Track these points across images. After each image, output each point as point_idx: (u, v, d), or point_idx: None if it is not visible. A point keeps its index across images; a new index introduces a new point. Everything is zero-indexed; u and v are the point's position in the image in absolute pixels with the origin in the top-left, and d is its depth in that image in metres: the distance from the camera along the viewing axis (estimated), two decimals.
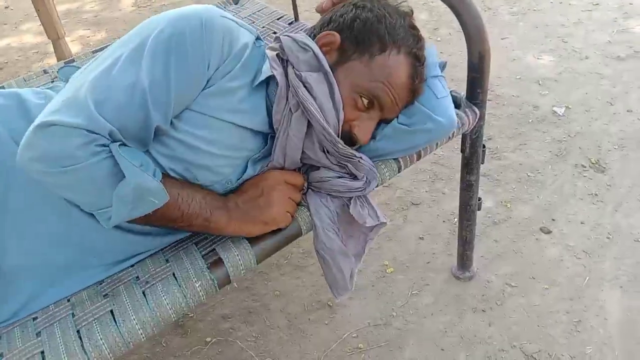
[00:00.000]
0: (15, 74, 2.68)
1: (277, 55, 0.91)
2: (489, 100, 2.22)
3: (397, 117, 1.00)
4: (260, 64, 0.91)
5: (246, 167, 0.93)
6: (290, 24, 1.61)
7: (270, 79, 0.91)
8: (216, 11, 0.85)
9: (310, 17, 2.77)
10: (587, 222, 1.66)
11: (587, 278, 1.50)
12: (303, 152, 0.93)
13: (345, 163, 0.95)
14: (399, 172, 1.10)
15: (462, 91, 1.19)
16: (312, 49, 0.90)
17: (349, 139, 0.94)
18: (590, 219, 1.67)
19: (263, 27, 1.62)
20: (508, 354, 1.33)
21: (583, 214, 1.69)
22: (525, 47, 2.55)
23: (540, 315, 1.41)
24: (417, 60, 0.95)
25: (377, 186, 1.04)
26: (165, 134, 0.84)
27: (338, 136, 0.91)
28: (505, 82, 2.33)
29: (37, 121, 0.74)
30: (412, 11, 1.00)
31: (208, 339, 1.39)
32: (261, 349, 1.37)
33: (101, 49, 1.48)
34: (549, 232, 1.64)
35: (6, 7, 3.42)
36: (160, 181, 0.80)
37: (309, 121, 0.90)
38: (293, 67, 0.90)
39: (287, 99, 0.89)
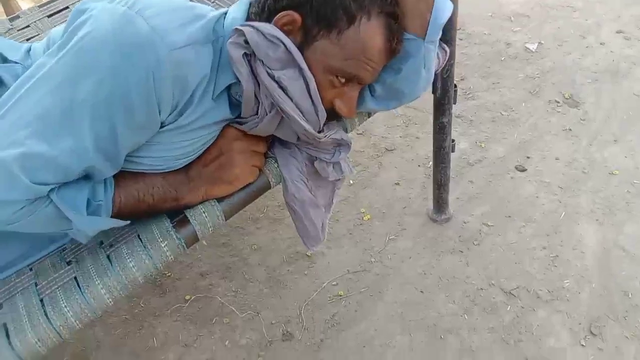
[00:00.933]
0: None
1: (245, 54, 0.78)
2: (460, 39, 2.18)
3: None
4: (216, 71, 0.80)
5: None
6: None
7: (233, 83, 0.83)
8: (163, 40, 0.69)
9: None
10: (562, 158, 1.66)
11: (563, 213, 1.51)
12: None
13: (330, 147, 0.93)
14: (368, 117, 1.07)
15: None
16: (283, 43, 0.77)
17: (333, 114, 0.87)
18: (565, 155, 1.67)
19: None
20: (487, 292, 1.34)
21: (558, 149, 1.69)
22: None
23: (517, 253, 1.42)
24: (392, 17, 0.82)
25: (346, 132, 1.01)
26: (126, 161, 0.79)
27: (320, 128, 0.86)
28: (477, 20, 2.27)
29: None
30: None
31: (187, 297, 1.38)
32: (241, 302, 1.36)
33: (48, 3, 1.39)
34: (524, 169, 1.64)
35: None
36: (115, 190, 0.78)
37: (281, 117, 0.84)
38: (263, 64, 0.78)
39: (258, 100, 0.81)
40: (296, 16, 0.78)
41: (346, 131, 1.02)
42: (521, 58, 2.07)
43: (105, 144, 0.71)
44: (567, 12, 2.29)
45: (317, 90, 0.81)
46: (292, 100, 0.80)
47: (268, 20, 0.79)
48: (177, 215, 0.86)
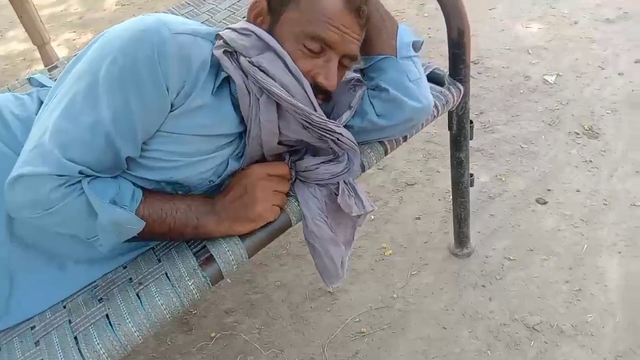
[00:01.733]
0: (4, 82, 2.67)
1: (225, 51, 0.86)
2: (479, 73, 2.21)
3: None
4: (218, 68, 0.89)
5: (227, 164, 0.93)
6: None
7: (230, 79, 0.89)
8: (167, 26, 0.80)
9: None
10: (582, 190, 1.66)
11: (585, 246, 1.50)
12: (281, 133, 0.92)
13: (326, 138, 0.93)
14: (385, 154, 1.09)
15: (446, 68, 1.18)
16: (253, 32, 0.87)
17: (320, 90, 0.90)
18: (586, 187, 1.67)
19: (243, 17, 1.61)
20: (510, 327, 1.34)
21: (578, 181, 1.69)
22: (513, 17, 2.53)
23: (540, 287, 1.41)
24: None
25: (363, 170, 1.04)
26: (140, 156, 0.84)
27: (314, 107, 0.89)
28: (495, 53, 2.31)
29: (11, 174, 0.77)
30: None
31: (213, 334, 1.40)
32: (265, 340, 1.38)
33: None
34: (545, 202, 1.64)
35: None
36: (140, 202, 0.83)
37: (277, 103, 0.88)
38: (243, 56, 0.86)
39: (249, 91, 0.87)
40: (262, 2, 0.89)
41: (363, 169, 1.06)
42: (540, 90, 2.09)
43: (121, 119, 0.78)
44: (584, 44, 2.31)
45: (295, 65, 0.87)
46: (274, 80, 0.86)
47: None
48: (203, 255, 0.90)
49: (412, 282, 1.47)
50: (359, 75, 1.04)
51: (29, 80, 1.10)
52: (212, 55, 0.87)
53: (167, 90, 0.80)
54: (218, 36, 0.88)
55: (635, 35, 2.30)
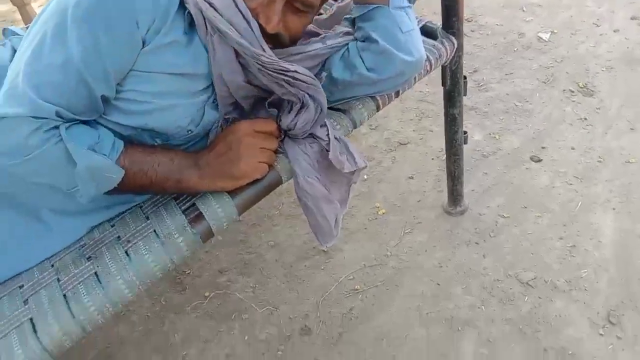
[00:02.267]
0: None
1: None
2: (472, 31, 2.17)
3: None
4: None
5: (204, 112, 0.90)
6: None
7: None
8: None
9: None
10: (577, 147, 1.65)
11: (580, 203, 1.50)
12: (246, 77, 0.89)
13: (281, 81, 0.89)
14: (377, 110, 1.07)
15: (439, 22, 1.15)
16: None
17: (267, 35, 0.86)
18: (581, 144, 1.66)
19: None
20: (504, 283, 1.34)
21: (573, 139, 1.68)
22: None
23: (534, 243, 1.42)
24: None
25: (355, 126, 1.02)
26: (115, 98, 0.82)
27: (263, 48, 0.86)
28: (489, 10, 2.26)
29: None
30: None
31: (207, 294, 1.40)
32: (260, 298, 1.38)
33: None
34: (539, 160, 1.63)
35: None
36: (121, 153, 0.80)
37: None
38: None
39: (206, 27, 0.84)
40: None
41: (355, 126, 1.03)
42: (534, 48, 2.06)
43: (91, 56, 0.75)
44: (579, 1, 2.27)
45: (245, 5, 0.83)
46: (223, 17, 0.82)
47: None
48: (192, 212, 0.88)
49: (405, 241, 1.47)
50: (349, 30, 1.01)
51: (3, 31, 1.06)
52: None
53: (137, 25, 0.76)
54: None
55: None
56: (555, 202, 1.51)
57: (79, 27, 0.74)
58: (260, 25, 0.85)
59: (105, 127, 0.83)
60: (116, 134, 0.83)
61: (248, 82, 0.90)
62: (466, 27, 2.18)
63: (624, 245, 1.38)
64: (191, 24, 0.85)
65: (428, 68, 1.09)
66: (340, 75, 0.97)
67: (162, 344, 1.32)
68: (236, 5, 0.83)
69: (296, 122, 0.92)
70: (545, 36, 2.11)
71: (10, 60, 0.88)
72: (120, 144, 0.81)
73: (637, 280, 1.30)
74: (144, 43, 0.79)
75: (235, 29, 0.83)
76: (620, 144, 1.64)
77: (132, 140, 0.85)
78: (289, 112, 0.93)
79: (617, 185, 1.52)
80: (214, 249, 1.50)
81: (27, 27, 1.30)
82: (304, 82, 0.89)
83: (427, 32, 1.15)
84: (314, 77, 0.91)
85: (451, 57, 1.16)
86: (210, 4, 0.82)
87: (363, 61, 0.96)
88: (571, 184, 1.55)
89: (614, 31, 2.08)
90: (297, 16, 0.88)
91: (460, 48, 1.17)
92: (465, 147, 1.38)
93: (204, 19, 0.83)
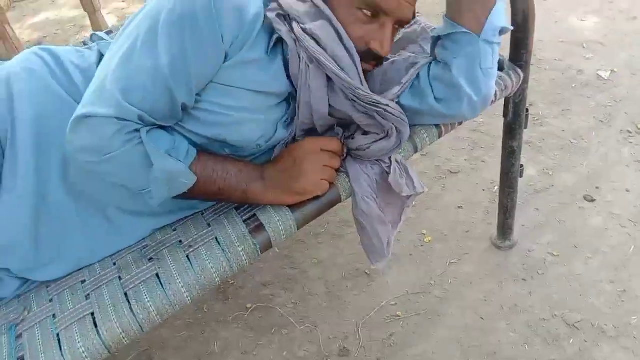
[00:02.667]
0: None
1: (278, 14, 0.86)
2: (530, 65, 2.15)
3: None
4: (273, 29, 0.88)
5: (276, 129, 0.92)
6: None
7: (283, 40, 0.88)
8: None
9: None
10: (632, 190, 1.61)
11: (633, 247, 1.45)
12: (330, 105, 0.91)
13: (373, 112, 0.91)
14: (439, 137, 1.07)
15: (506, 52, 1.14)
16: None
17: (372, 56, 0.89)
18: (636, 187, 1.62)
19: None
20: (550, 323, 1.31)
21: (629, 181, 1.64)
22: (568, 9, 2.44)
23: (583, 285, 1.38)
24: None
25: (416, 151, 1.03)
26: (193, 107, 0.85)
27: (361, 81, 0.88)
28: (548, 45, 2.24)
29: (74, 115, 0.78)
30: None
31: (249, 305, 1.41)
32: (300, 315, 1.38)
33: None
34: (592, 200, 1.59)
35: None
36: (194, 160, 0.83)
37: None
38: (297, 22, 0.85)
39: (299, 55, 0.86)
40: None
41: (416, 150, 1.04)
42: (593, 86, 2.02)
43: (178, 64, 0.78)
44: None
45: (348, 37, 0.86)
46: (326, 51, 0.85)
47: None
48: (253, 222, 0.90)
49: (451, 270, 1.45)
50: (415, 56, 1.01)
51: (91, 37, 1.11)
52: (265, 11, 0.86)
53: (222, 39, 0.80)
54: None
55: None
56: (607, 245, 1.47)
57: (168, 36, 0.77)
58: (369, 50, 0.87)
59: (180, 134, 0.86)
60: (189, 141, 0.86)
61: (330, 114, 0.92)
62: None
63: None
64: (275, 45, 0.87)
65: (493, 99, 1.09)
66: (408, 103, 0.97)
67: (202, 351, 1.34)
68: (340, 39, 0.86)
69: (370, 147, 0.93)
70: (605, 74, 2.07)
71: (97, 64, 0.93)
72: (193, 151, 0.84)
73: None
74: (226, 57, 0.82)
75: (337, 63, 0.85)
76: None
77: (203, 148, 0.88)
78: (362, 134, 0.94)
79: None
80: (259, 261, 1.52)
81: (107, 32, 1.37)
82: (393, 115, 0.91)
83: None
84: (402, 112, 0.93)
85: (516, 89, 1.15)
86: (312, 36, 0.85)
87: (432, 90, 0.96)
88: (625, 227, 1.51)
89: None
90: (392, 35, 0.90)
91: (526, 80, 1.16)
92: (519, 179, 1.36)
93: (298, 47, 0.86)
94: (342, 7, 0.86)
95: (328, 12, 0.86)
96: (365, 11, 0.85)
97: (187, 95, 0.81)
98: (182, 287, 0.81)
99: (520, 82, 1.15)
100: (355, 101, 0.89)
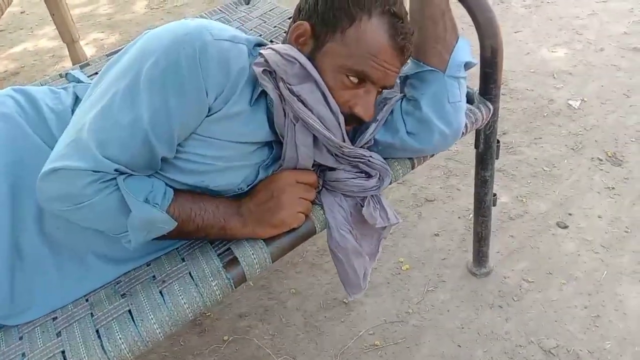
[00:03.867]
0: (32, 78, 2.72)
1: (264, 70, 0.87)
2: (503, 94, 2.21)
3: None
4: (257, 80, 0.89)
5: (257, 173, 0.94)
6: None
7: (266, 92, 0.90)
8: (209, 31, 0.81)
9: None
10: (604, 216, 1.64)
11: (605, 272, 1.48)
12: (316, 159, 0.94)
13: (357, 163, 0.95)
14: (412, 169, 1.10)
15: (476, 86, 1.18)
16: (297, 60, 0.86)
17: (355, 119, 0.91)
18: (608, 213, 1.65)
19: (274, 26, 1.62)
20: (526, 349, 1.32)
21: (600, 207, 1.68)
22: (539, 40, 2.52)
23: (557, 311, 1.40)
24: (395, 17, 0.87)
25: (390, 183, 1.04)
26: (173, 157, 0.85)
27: (343, 137, 0.91)
28: (520, 76, 2.31)
29: (46, 166, 0.78)
30: None
31: (225, 337, 1.40)
32: (278, 346, 1.37)
33: (115, 52, 1.49)
34: (565, 226, 1.63)
35: (22, 12, 3.46)
36: (172, 201, 0.83)
37: None
38: (283, 81, 0.86)
39: (284, 112, 0.88)
40: (306, 25, 0.88)
41: (390, 182, 1.06)
42: (564, 115, 2.08)
43: (160, 119, 0.79)
44: (611, 71, 2.29)
45: (334, 99, 0.88)
46: (312, 112, 0.87)
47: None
48: (227, 256, 0.90)
49: (428, 298, 1.46)
50: (387, 91, 1.04)
51: (66, 75, 1.12)
52: (250, 64, 0.88)
53: (207, 94, 0.81)
54: (260, 54, 0.87)
55: None
56: (580, 270, 1.50)
57: (150, 90, 0.78)
58: (352, 114, 0.90)
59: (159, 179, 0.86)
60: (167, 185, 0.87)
61: (316, 163, 0.95)
62: None
63: None
64: (259, 96, 0.89)
65: (464, 131, 1.12)
66: (382, 137, 1.00)
67: None
68: (326, 100, 0.88)
69: (348, 181, 0.95)
70: (575, 104, 2.13)
71: (72, 107, 0.93)
72: (170, 193, 0.84)
73: None
74: (210, 110, 0.83)
75: (323, 123, 0.88)
76: None
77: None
78: (342, 171, 0.96)
79: None
80: (235, 292, 1.51)
81: (83, 71, 1.38)
82: (377, 165, 0.95)
83: None
84: (385, 162, 0.97)
85: (486, 121, 1.18)
86: (298, 97, 0.86)
87: (405, 125, 0.98)
88: (597, 252, 1.54)
89: None
90: (375, 97, 0.93)
91: (495, 113, 1.19)
92: (492, 208, 1.38)
93: (284, 104, 0.87)
94: (329, 72, 0.88)
95: (315, 74, 0.87)
96: (352, 78, 0.88)
97: (168, 150, 0.82)
98: (155, 323, 0.81)
99: (490, 115, 1.18)
100: (339, 156, 0.93)
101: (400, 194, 1.80)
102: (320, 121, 0.88)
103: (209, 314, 1.46)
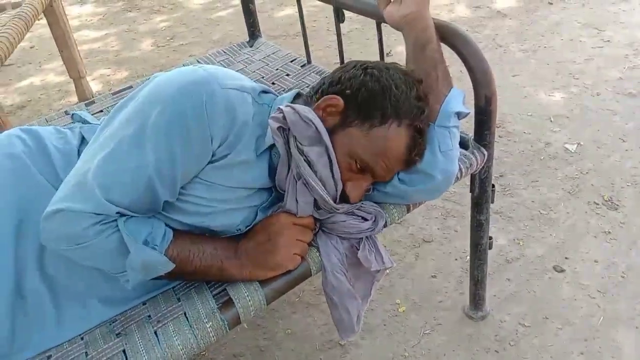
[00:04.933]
0: (38, 111, 2.77)
1: (279, 128, 0.90)
2: (500, 137, 2.24)
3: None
4: (262, 128, 0.92)
5: (256, 214, 0.96)
6: (303, 66, 1.66)
7: (274, 146, 0.93)
8: (217, 80, 0.84)
9: (323, 57, 2.83)
10: (600, 261, 1.65)
11: (602, 318, 1.48)
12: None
13: (352, 211, 0.98)
14: (408, 212, 1.11)
15: (471, 132, 1.20)
16: (314, 125, 0.90)
17: (342, 196, 0.96)
18: (604, 258, 1.66)
19: (277, 69, 1.67)
20: None
21: (597, 252, 1.68)
22: (536, 84, 2.57)
23: (554, 356, 1.39)
24: (418, 132, 0.95)
25: (385, 226, 1.06)
26: (175, 200, 0.88)
27: (337, 199, 0.95)
28: (517, 119, 2.34)
29: (50, 207, 0.80)
30: (421, 81, 0.99)
31: None
32: None
33: (120, 90, 1.53)
34: (562, 270, 1.63)
35: (31, 47, 3.55)
36: (171, 243, 0.85)
37: None
38: (295, 139, 0.90)
39: (289, 167, 0.92)
40: (341, 102, 0.92)
41: (385, 225, 1.07)
42: (560, 158, 2.10)
43: (165, 166, 0.81)
44: (606, 116, 2.33)
45: (338, 169, 0.92)
46: (316, 174, 0.90)
47: (320, 96, 0.95)
48: (222, 297, 0.91)
49: (424, 342, 1.46)
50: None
51: (72, 115, 1.15)
52: (261, 118, 0.92)
53: (211, 142, 0.83)
54: (279, 109, 0.91)
55: None
56: (577, 316, 1.49)
57: (157, 138, 0.80)
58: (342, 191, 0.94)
59: (159, 220, 0.88)
60: (169, 227, 0.88)
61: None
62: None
63: None
64: (268, 147, 0.93)
65: (458, 176, 1.14)
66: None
67: None
68: (331, 166, 0.92)
69: (346, 222, 0.97)
70: (572, 147, 2.16)
71: (79, 148, 0.95)
72: (170, 234, 0.86)
73: None
74: (213, 156, 0.85)
75: (323, 186, 0.91)
76: None
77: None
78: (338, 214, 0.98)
79: None
80: (231, 332, 1.50)
81: (88, 109, 1.41)
82: (371, 209, 0.99)
83: (459, 142, 1.20)
84: (378, 207, 1.01)
85: (481, 166, 1.20)
86: (306, 157, 0.90)
87: (397, 174, 1.01)
88: (593, 297, 1.54)
89: None
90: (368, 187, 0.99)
91: (490, 158, 1.21)
92: (489, 251, 1.39)
93: (289, 160, 0.91)
94: (341, 150, 0.92)
95: (327, 140, 0.91)
96: (358, 164, 0.93)
97: (170, 194, 0.84)
98: None
99: (485, 160, 1.20)
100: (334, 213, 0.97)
101: (398, 234, 1.81)
102: (322, 184, 0.91)
103: (204, 353, 1.45)
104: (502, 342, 1.43)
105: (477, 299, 1.48)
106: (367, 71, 0.96)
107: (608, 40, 2.85)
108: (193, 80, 0.83)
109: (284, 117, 0.89)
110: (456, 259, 1.70)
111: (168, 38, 3.44)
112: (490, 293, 1.54)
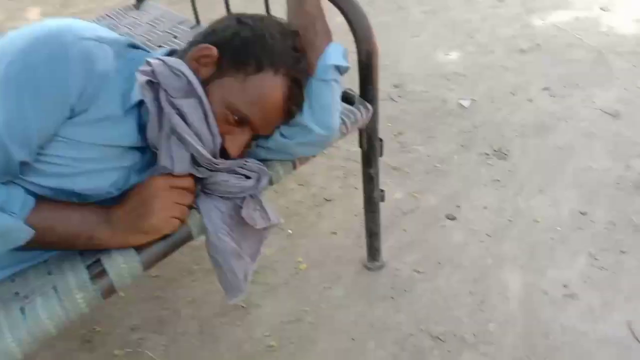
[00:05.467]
0: None
1: (148, 81, 0.85)
2: (400, 96, 2.30)
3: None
4: (129, 83, 0.88)
5: (128, 177, 0.92)
6: (192, 28, 1.60)
7: (143, 103, 0.89)
8: (71, 32, 0.79)
9: (214, 18, 2.75)
10: (490, 207, 1.75)
11: (490, 259, 1.58)
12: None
13: (234, 169, 0.96)
14: (294, 169, 1.11)
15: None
16: (185, 76, 0.87)
17: (221, 152, 0.93)
18: (493, 204, 1.76)
19: (164, 31, 1.60)
20: (416, 337, 1.38)
21: (486, 199, 1.78)
22: (434, 45, 2.65)
23: (445, 298, 1.47)
24: (295, 82, 0.94)
25: (271, 184, 1.06)
26: (35, 160, 0.82)
27: (217, 155, 0.92)
28: (416, 78, 2.41)
29: None
30: (297, 32, 0.98)
31: (116, 352, 1.36)
32: (172, 357, 1.35)
33: None
34: (454, 218, 1.71)
35: None
36: (32, 210, 0.79)
37: None
38: (166, 93, 0.86)
39: (160, 124, 0.87)
40: (215, 51, 0.90)
41: (272, 183, 1.07)
42: (455, 114, 2.19)
43: (15, 123, 0.75)
44: (499, 72, 2.45)
45: (214, 122, 0.89)
46: (190, 127, 0.87)
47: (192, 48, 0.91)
48: (96, 268, 0.87)
49: (324, 296, 1.49)
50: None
51: None
52: (120, 67, 0.86)
53: (67, 95, 0.78)
54: (147, 62, 0.86)
55: (545, 65, 2.46)
56: (467, 259, 1.58)
57: (5, 90, 0.74)
58: (221, 147, 0.91)
59: (19, 185, 0.83)
60: (29, 191, 0.83)
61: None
62: (394, 93, 2.31)
63: (529, 300, 1.45)
64: (138, 104, 0.88)
65: (345, 131, 1.15)
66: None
67: None
68: (206, 119, 0.88)
69: (229, 181, 0.95)
70: (466, 103, 2.25)
71: None
72: (30, 201, 0.80)
73: (540, 335, 1.36)
74: (73, 111, 0.80)
75: (199, 139, 0.88)
76: (530, 204, 1.75)
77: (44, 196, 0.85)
78: (220, 173, 0.96)
79: (525, 243, 1.61)
80: (128, 305, 1.47)
81: None
82: (254, 167, 0.97)
83: (345, 98, 1.22)
84: (262, 164, 0.99)
85: (367, 121, 1.22)
86: (179, 110, 0.85)
87: (280, 129, 1.00)
88: (483, 241, 1.64)
89: (528, 100, 2.25)
90: (249, 140, 0.96)
91: (375, 113, 1.24)
92: (386, 204, 1.44)
93: (161, 116, 0.86)
94: (217, 102, 0.89)
95: (200, 91, 0.87)
96: (234, 116, 0.90)
97: (26, 153, 0.78)
98: (12, 341, 0.77)
99: (370, 115, 1.22)
100: (213, 170, 0.94)
101: (301, 194, 1.82)
102: (198, 138, 0.88)
103: (99, 328, 1.41)
104: (397, 289, 1.50)
105: (373, 251, 1.53)
106: (242, 21, 0.95)
107: (502, 0, 2.97)
108: (45, 32, 0.78)
109: (153, 71, 0.85)
110: (356, 215, 1.74)
111: (58, 6, 3.22)
112: (387, 244, 1.60)
